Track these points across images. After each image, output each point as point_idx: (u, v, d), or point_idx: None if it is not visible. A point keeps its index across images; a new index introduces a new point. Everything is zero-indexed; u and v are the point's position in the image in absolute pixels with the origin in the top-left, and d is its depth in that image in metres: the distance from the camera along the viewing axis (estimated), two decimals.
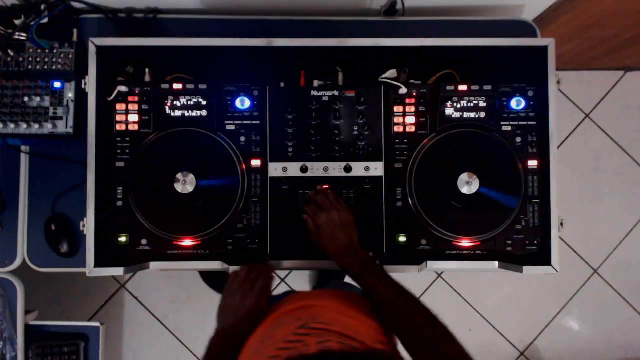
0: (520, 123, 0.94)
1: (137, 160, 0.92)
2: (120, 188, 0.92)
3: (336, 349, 0.52)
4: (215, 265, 0.91)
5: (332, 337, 0.56)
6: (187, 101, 0.92)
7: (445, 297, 1.91)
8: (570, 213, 1.71)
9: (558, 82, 0.91)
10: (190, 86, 0.91)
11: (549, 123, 0.90)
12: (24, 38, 0.96)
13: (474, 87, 0.92)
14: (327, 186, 0.93)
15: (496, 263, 0.91)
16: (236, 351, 0.67)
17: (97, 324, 1.10)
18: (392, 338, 0.70)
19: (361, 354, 0.52)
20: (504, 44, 0.91)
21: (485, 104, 0.93)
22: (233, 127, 0.94)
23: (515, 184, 0.92)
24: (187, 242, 0.92)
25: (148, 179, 0.91)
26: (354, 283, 0.79)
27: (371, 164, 0.93)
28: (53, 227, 1.01)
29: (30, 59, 0.96)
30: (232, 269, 0.88)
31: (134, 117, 0.93)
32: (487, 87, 0.92)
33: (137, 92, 0.93)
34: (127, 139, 0.93)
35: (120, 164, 0.92)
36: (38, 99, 0.96)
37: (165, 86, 0.91)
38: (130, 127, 0.93)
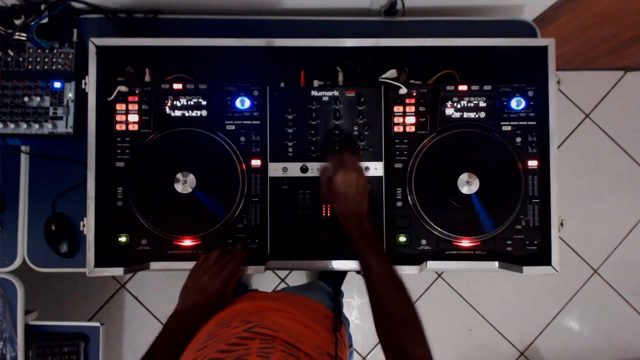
0: (520, 123, 0.94)
1: (137, 161, 0.92)
2: (120, 188, 0.92)
3: None
4: None
5: (277, 344, 0.55)
6: (187, 101, 0.92)
7: (445, 297, 1.91)
8: (570, 213, 1.72)
9: (558, 82, 0.91)
10: (190, 86, 0.91)
11: (549, 123, 0.90)
12: (24, 38, 0.96)
13: (474, 87, 0.92)
14: None
15: (496, 263, 0.91)
16: (190, 335, 0.67)
17: (97, 324, 1.10)
18: (343, 353, 0.70)
19: None
20: (504, 44, 0.91)
21: (485, 104, 0.93)
22: (233, 127, 0.94)
23: (515, 184, 0.92)
24: (187, 242, 0.92)
25: (148, 179, 0.91)
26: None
27: (371, 164, 0.93)
28: (53, 227, 1.01)
29: (30, 59, 0.96)
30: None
31: (134, 117, 0.93)
32: (487, 87, 0.92)
33: (137, 92, 0.93)
34: (127, 139, 0.93)
35: (120, 164, 0.92)
36: (38, 99, 0.96)
37: (165, 86, 0.91)
38: (130, 127, 0.93)
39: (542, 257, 0.91)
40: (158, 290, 1.84)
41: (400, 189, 0.94)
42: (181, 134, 0.92)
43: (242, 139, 0.94)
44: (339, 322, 0.77)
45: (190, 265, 0.91)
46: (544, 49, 0.89)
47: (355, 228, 0.77)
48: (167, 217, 0.91)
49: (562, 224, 0.89)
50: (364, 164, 0.93)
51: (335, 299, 0.92)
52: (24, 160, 1.04)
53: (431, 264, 0.89)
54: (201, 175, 0.89)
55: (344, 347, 0.76)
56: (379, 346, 0.66)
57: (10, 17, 0.96)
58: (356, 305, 1.87)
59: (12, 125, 0.96)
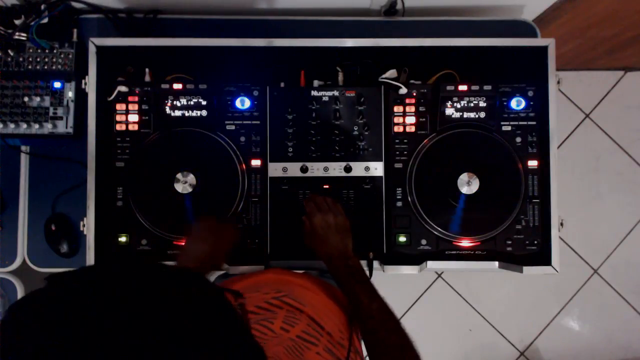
0: (520, 123, 0.94)
1: (137, 161, 0.92)
2: (120, 188, 0.92)
3: None
4: None
5: (303, 318, 0.56)
6: (187, 101, 0.92)
7: (445, 297, 1.91)
8: (570, 213, 1.71)
9: (558, 82, 0.91)
10: (190, 86, 0.91)
11: (549, 123, 0.90)
12: (24, 38, 0.96)
13: (474, 87, 0.92)
14: (327, 186, 0.93)
15: (496, 263, 0.91)
16: None
17: None
18: (357, 336, 0.70)
19: None
20: (504, 44, 0.91)
21: (485, 104, 0.93)
22: (233, 127, 0.94)
23: (515, 184, 0.92)
24: None
25: (148, 179, 0.91)
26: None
27: (371, 164, 0.93)
28: (53, 227, 1.01)
29: (30, 59, 0.96)
30: (232, 269, 0.88)
31: (134, 117, 0.93)
32: (487, 87, 0.92)
33: (137, 92, 0.93)
34: (127, 139, 0.92)
35: (120, 164, 0.92)
36: (38, 99, 0.96)
37: (165, 86, 0.91)
38: (130, 127, 0.93)
39: (542, 257, 0.91)
40: None
41: (400, 189, 0.94)
42: (181, 134, 0.92)
43: (242, 139, 0.94)
44: None
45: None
46: (544, 49, 0.89)
47: (341, 268, 0.78)
48: (167, 217, 0.91)
49: (562, 224, 0.89)
50: (363, 164, 0.93)
51: None
52: (24, 160, 1.04)
53: (431, 264, 0.89)
54: (201, 175, 0.89)
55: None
56: None
57: (10, 17, 0.96)
58: None
59: (12, 125, 0.96)
